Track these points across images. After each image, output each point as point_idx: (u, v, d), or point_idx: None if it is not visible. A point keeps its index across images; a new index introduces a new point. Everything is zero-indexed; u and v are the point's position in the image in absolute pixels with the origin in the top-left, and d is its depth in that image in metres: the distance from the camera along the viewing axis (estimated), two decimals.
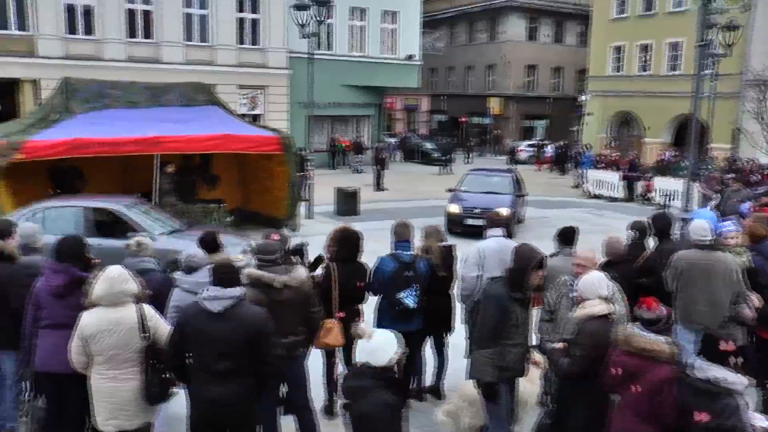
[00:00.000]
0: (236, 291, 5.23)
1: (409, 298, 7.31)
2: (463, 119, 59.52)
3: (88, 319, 5.34)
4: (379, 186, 29.65)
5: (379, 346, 4.40)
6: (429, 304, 7.63)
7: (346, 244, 7.26)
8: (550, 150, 42.73)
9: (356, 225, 19.57)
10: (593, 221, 21.18)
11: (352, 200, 22.57)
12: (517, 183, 20.21)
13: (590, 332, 5.43)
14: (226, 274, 5.25)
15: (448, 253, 7.91)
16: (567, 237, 7.69)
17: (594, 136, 44.42)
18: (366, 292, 7.46)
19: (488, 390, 5.81)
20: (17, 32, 28.51)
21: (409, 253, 7.46)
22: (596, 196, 29.50)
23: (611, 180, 29.42)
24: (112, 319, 5.31)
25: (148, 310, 5.48)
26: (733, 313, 7.58)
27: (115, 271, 5.39)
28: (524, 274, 5.84)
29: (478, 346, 5.78)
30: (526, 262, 5.86)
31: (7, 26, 28.41)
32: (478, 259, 7.53)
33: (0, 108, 26.78)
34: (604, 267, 7.23)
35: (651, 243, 8.63)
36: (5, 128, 16.03)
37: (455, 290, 7.97)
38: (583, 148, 35.44)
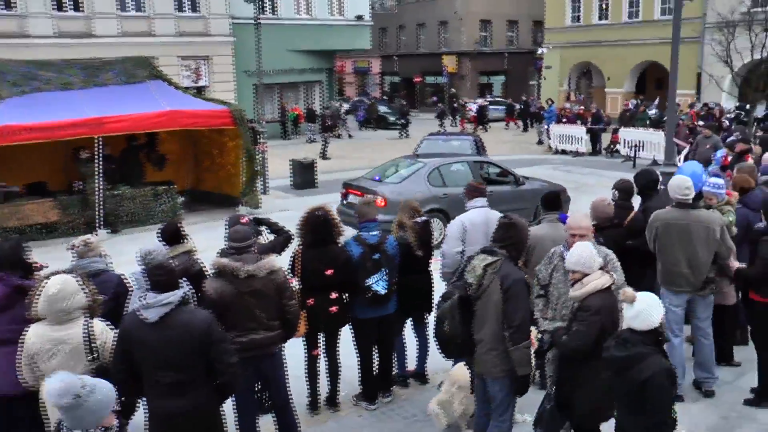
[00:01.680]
0: (172, 296, 4.84)
1: (378, 284, 7.08)
2: (417, 79, 59.24)
3: (32, 334, 5.00)
4: (324, 155, 29.45)
5: (642, 309, 4.60)
6: (406, 284, 7.46)
7: (312, 227, 6.96)
8: (475, 107, 42.25)
9: (315, 198, 19.73)
10: (563, 178, 21.11)
11: (309, 172, 22.31)
12: (478, 147, 20.06)
13: (597, 307, 5.27)
14: (160, 277, 4.88)
15: (423, 229, 7.68)
16: (552, 201, 7.44)
17: (554, 90, 44.49)
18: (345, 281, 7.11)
19: (525, 382, 5.51)
20: None
21: (374, 233, 7.21)
22: (561, 152, 29.61)
23: (576, 134, 29.47)
24: (54, 338, 4.95)
25: (98, 326, 5.09)
26: (719, 272, 7.50)
27: (54, 287, 4.93)
28: (524, 248, 5.64)
29: (518, 341, 5.36)
30: (526, 233, 5.65)
31: None
32: (461, 233, 7.38)
33: None
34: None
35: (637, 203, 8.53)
36: None
37: (436, 267, 7.79)
38: (545, 104, 35.35)
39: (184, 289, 5.00)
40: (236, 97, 32.58)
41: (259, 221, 7.28)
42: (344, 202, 14.96)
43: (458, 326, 5.55)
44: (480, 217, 7.38)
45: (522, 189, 15.49)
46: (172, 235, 6.58)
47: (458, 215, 7.68)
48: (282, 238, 7.21)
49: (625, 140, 27.38)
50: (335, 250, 7.05)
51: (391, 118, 43.24)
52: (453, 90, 52.04)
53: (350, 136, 38.82)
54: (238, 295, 5.73)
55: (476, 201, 7.61)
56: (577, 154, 28.91)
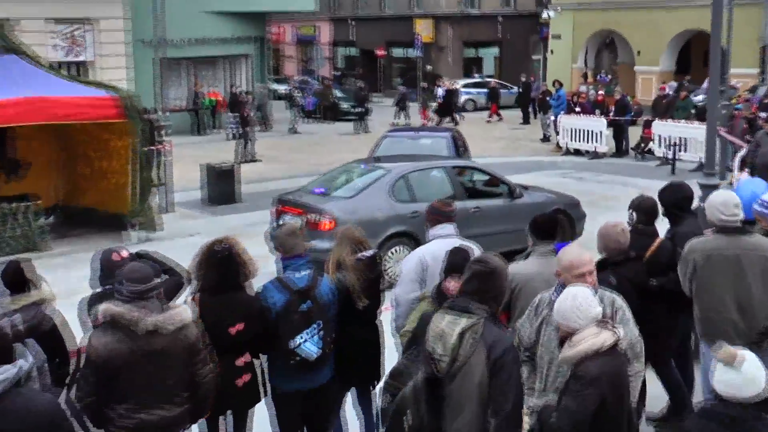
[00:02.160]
0: (5, 372, 4.77)
1: (308, 345, 7.02)
2: (381, 52, 59.43)
3: None
4: (245, 156, 29.52)
5: (754, 373, 4.63)
6: (347, 343, 7.45)
7: (212, 266, 6.90)
8: (440, 92, 42.31)
9: (236, 219, 19.63)
10: (576, 188, 21.13)
11: (228, 181, 22.23)
12: (457, 147, 20.12)
13: (593, 375, 5.30)
14: None
15: (370, 268, 7.67)
16: (545, 226, 7.44)
17: (565, 68, 44.89)
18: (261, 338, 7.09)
19: None
20: None
21: (303, 274, 7.17)
22: (574, 152, 29.77)
23: (594, 128, 29.61)
24: None
25: None
26: None
27: None
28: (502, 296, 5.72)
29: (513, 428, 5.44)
30: (508, 281, 5.75)
31: None
32: (419, 272, 7.41)
33: None
34: (600, 268, 7.12)
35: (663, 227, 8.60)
36: None
37: (386, 318, 7.79)
38: (551, 87, 35.57)
39: (22, 361, 4.89)
40: (131, 76, 32.45)
41: (142, 257, 7.24)
42: (277, 223, 14.90)
43: (424, 418, 5.52)
44: (442, 250, 7.23)
45: (519, 203, 15.50)
46: (13, 280, 6.52)
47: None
48: (171, 282, 7.18)
49: (660, 137, 27.64)
50: (245, 297, 7.00)
51: (344, 106, 43.37)
52: (429, 67, 52.37)
53: (295, 132, 38.93)
54: (135, 357, 5.73)
55: (440, 228, 7.65)
56: (595, 155, 29.05)
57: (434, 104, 41.57)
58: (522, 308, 6.70)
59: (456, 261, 6.52)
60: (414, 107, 42.87)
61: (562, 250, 6.46)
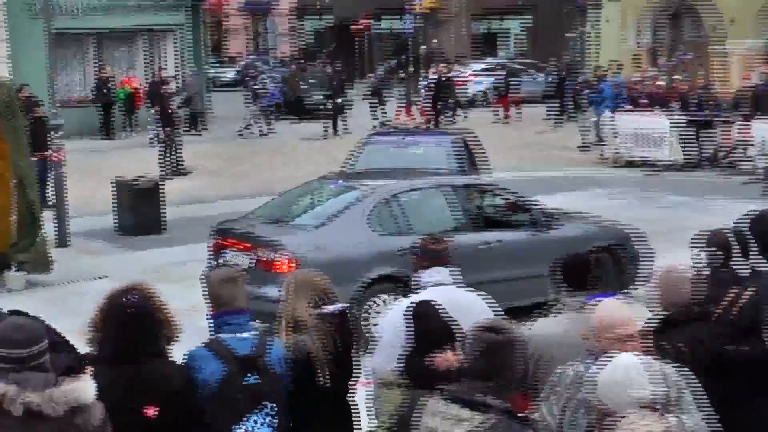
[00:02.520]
0: None
1: None
2: (362, 25, 59.61)
3: None
4: (167, 168, 29.72)
5: None
6: (306, 430, 7.42)
7: (116, 326, 6.81)
8: (425, 83, 42.58)
9: (157, 255, 19.64)
10: (631, 216, 20.88)
11: (149, 203, 22.37)
12: (463, 156, 20.06)
13: None
14: None
15: (338, 327, 7.60)
16: (575, 274, 7.60)
17: (614, 48, 45.05)
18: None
19: None
20: None
21: (246, 336, 7.19)
22: (629, 163, 29.83)
23: (655, 131, 29.68)
24: None
25: None
26: None
27: None
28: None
29: None
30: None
31: None
32: (404, 332, 7.33)
33: None
34: (660, 330, 7.25)
35: (746, 271, 8.56)
36: None
37: (361, 396, 7.91)
38: (592, 75, 35.71)
39: None
40: (8, 54, 32.76)
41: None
42: (216, 263, 14.89)
43: None
44: (437, 302, 7.34)
45: (548, 237, 15.67)
46: None
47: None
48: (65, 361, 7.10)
49: (760, 139, 27.36)
50: (162, 369, 6.91)
51: (311, 99, 43.49)
52: (423, 47, 52.45)
53: (266, 134, 39.19)
54: None
55: (431, 274, 7.77)
56: (663, 168, 29.15)
57: (419, 99, 41.76)
58: (545, 379, 6.80)
59: (437, 327, 6.52)
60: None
61: (599, 304, 6.50)
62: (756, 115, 28.43)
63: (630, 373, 5.56)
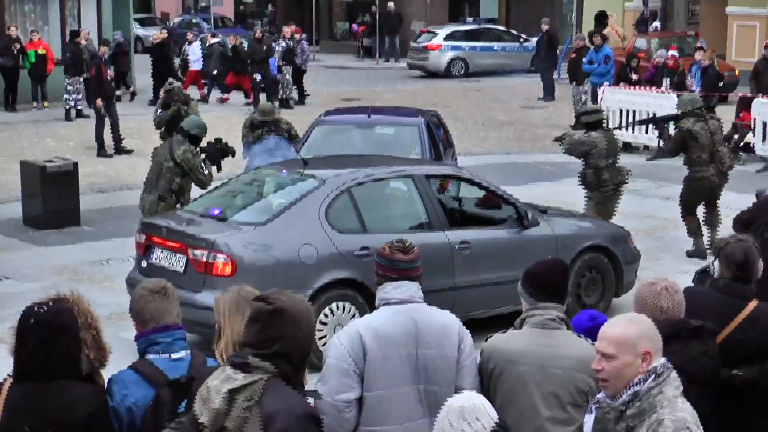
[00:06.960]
0: None
1: None
2: None
3: None
4: (105, 145, 30.66)
5: None
6: None
7: (23, 340, 6.88)
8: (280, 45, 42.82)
9: (74, 252, 19.54)
10: (629, 210, 21.44)
11: (63, 190, 22.58)
12: (434, 140, 19.99)
13: None
14: None
15: None
16: (546, 282, 7.77)
17: (616, 10, 45.15)
18: None
19: None
20: None
21: (179, 356, 7.25)
22: (625, 147, 29.84)
23: (661, 109, 29.59)
24: None
25: None
26: None
27: None
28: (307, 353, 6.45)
29: None
30: (309, 325, 6.55)
31: None
32: (355, 359, 7.60)
33: None
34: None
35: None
36: None
37: None
38: (589, 42, 35.89)
39: None
40: None
41: None
42: (145, 264, 14.75)
43: None
44: (398, 326, 7.63)
45: (532, 236, 15.87)
46: None
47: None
48: None
49: (766, 124, 27.86)
50: (70, 393, 6.89)
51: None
52: (390, 3, 52.89)
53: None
54: None
55: (393, 289, 7.70)
56: (660, 153, 29.26)
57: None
58: (504, 400, 7.32)
59: None
60: None
61: (606, 324, 6.54)
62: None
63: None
